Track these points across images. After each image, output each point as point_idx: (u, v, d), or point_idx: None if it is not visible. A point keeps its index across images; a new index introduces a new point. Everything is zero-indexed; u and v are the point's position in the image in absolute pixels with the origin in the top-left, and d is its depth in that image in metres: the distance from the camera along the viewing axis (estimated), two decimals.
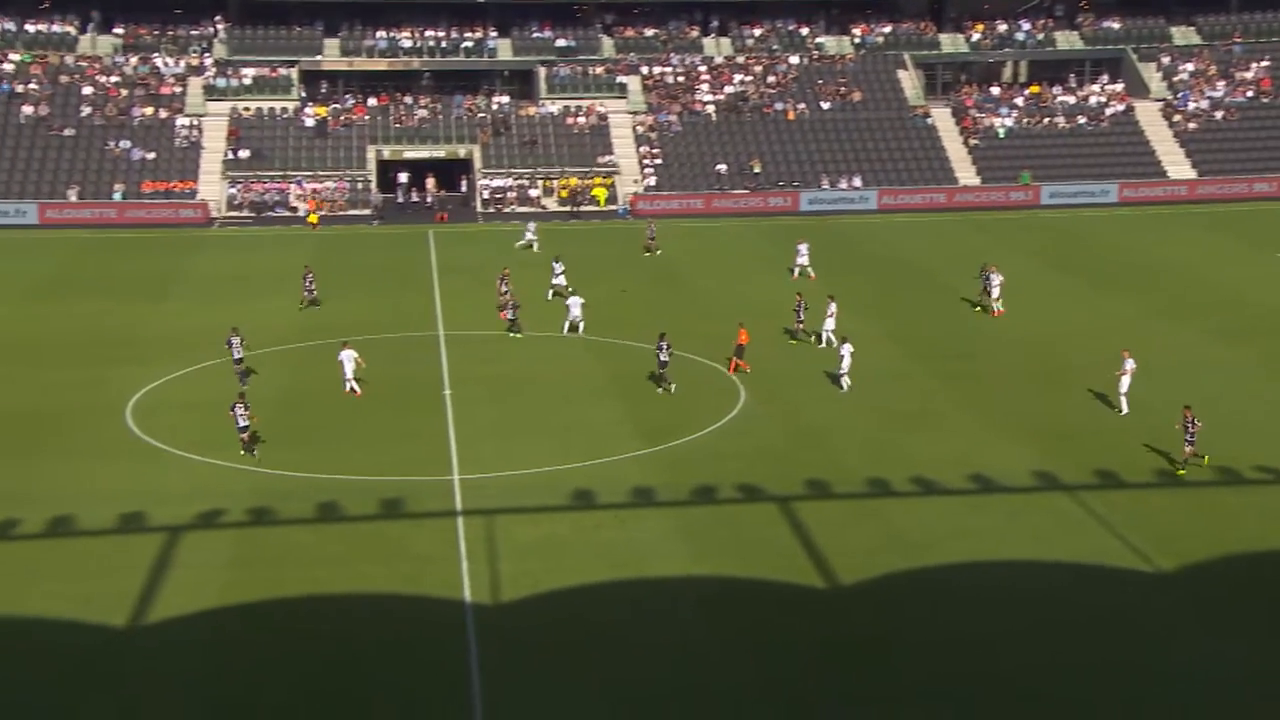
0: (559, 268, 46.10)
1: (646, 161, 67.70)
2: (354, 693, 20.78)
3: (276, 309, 44.28)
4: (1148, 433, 32.05)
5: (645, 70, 72.69)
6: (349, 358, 35.32)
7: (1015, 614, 23.34)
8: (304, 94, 70.45)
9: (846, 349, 35.82)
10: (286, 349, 39.22)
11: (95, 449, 30.96)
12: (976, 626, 22.95)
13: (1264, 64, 73.74)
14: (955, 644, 22.28)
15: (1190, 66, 73.69)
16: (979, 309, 43.46)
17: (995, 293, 43.13)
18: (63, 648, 21.95)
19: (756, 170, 67.32)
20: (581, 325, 40.98)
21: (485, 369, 37.93)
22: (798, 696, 20.91)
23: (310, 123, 68.28)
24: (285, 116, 68.61)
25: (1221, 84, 72.58)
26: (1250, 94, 71.98)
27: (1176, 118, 70.93)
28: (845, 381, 35.65)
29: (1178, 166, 68.59)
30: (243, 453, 30.37)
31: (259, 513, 27.39)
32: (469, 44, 72.66)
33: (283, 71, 70.30)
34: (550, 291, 45.13)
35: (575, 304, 41.34)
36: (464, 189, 68.32)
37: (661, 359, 35.57)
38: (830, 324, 39.89)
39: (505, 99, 71.30)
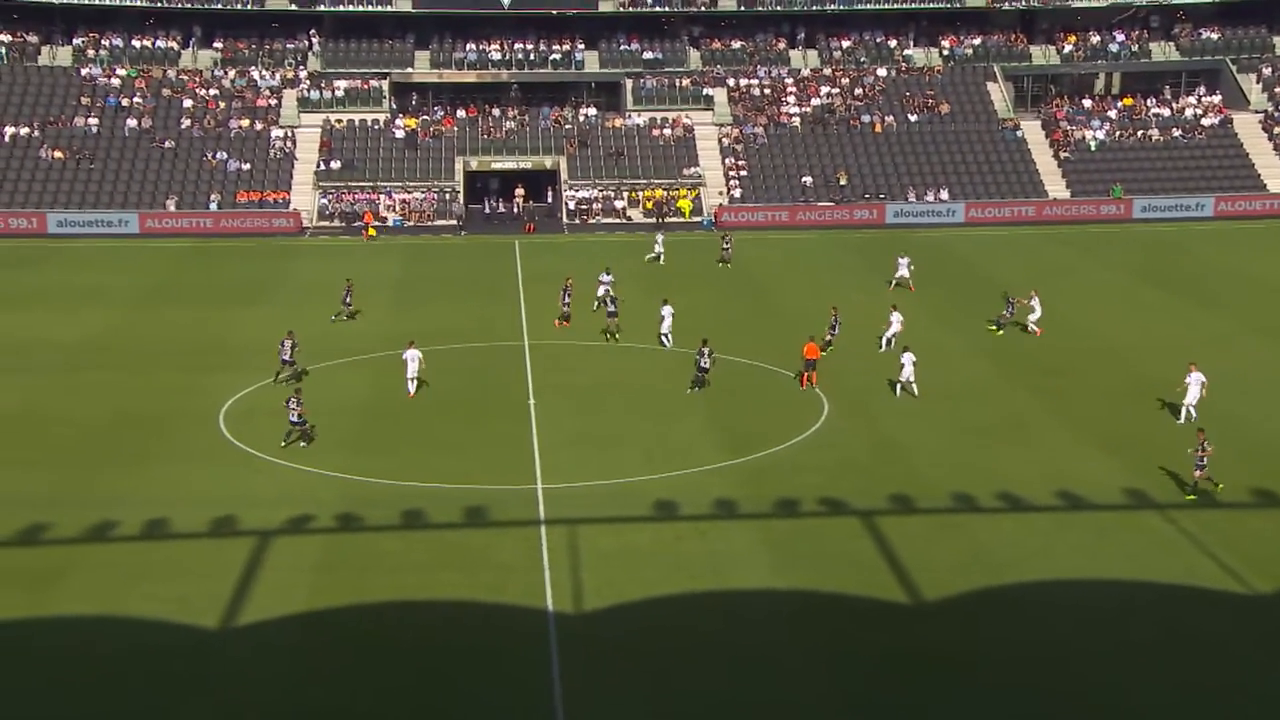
0: (607, 278, 45.91)
1: (731, 173, 67.71)
2: (437, 702, 21.03)
3: (363, 317, 45.04)
4: (1239, 452, 31.24)
5: (731, 82, 72.73)
6: (413, 357, 35.92)
7: (1101, 633, 22.92)
8: (395, 106, 71.66)
9: (908, 358, 35.85)
10: (368, 357, 39.84)
11: (191, 454, 31.76)
12: (1060, 644, 22.58)
13: None
14: (1036, 662, 21.96)
15: None
16: (995, 328, 42.67)
17: (1036, 314, 41.93)
18: (160, 649, 22.54)
19: (842, 183, 66.95)
20: (668, 338, 40.98)
21: (569, 378, 38.16)
22: (877, 711, 20.74)
23: (400, 134, 69.44)
24: (376, 128, 69.84)
25: None
26: None
27: (1277, 130, 69.07)
28: (913, 388, 35.55)
29: (1278, 180, 66.76)
30: (283, 444, 31.35)
31: (346, 519, 27.86)
32: (556, 56, 73.36)
33: (374, 84, 71.60)
34: (595, 302, 45.20)
35: (667, 313, 41.40)
36: (550, 200, 68.91)
37: (702, 364, 35.90)
38: (889, 331, 40.08)
39: (592, 110, 71.81)
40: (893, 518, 27.89)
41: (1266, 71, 72.51)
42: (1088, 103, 72.68)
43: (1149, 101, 72.00)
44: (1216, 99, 71.56)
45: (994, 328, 42.68)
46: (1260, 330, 42.34)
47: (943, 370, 38.78)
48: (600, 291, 45.45)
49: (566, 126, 70.23)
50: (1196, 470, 28.69)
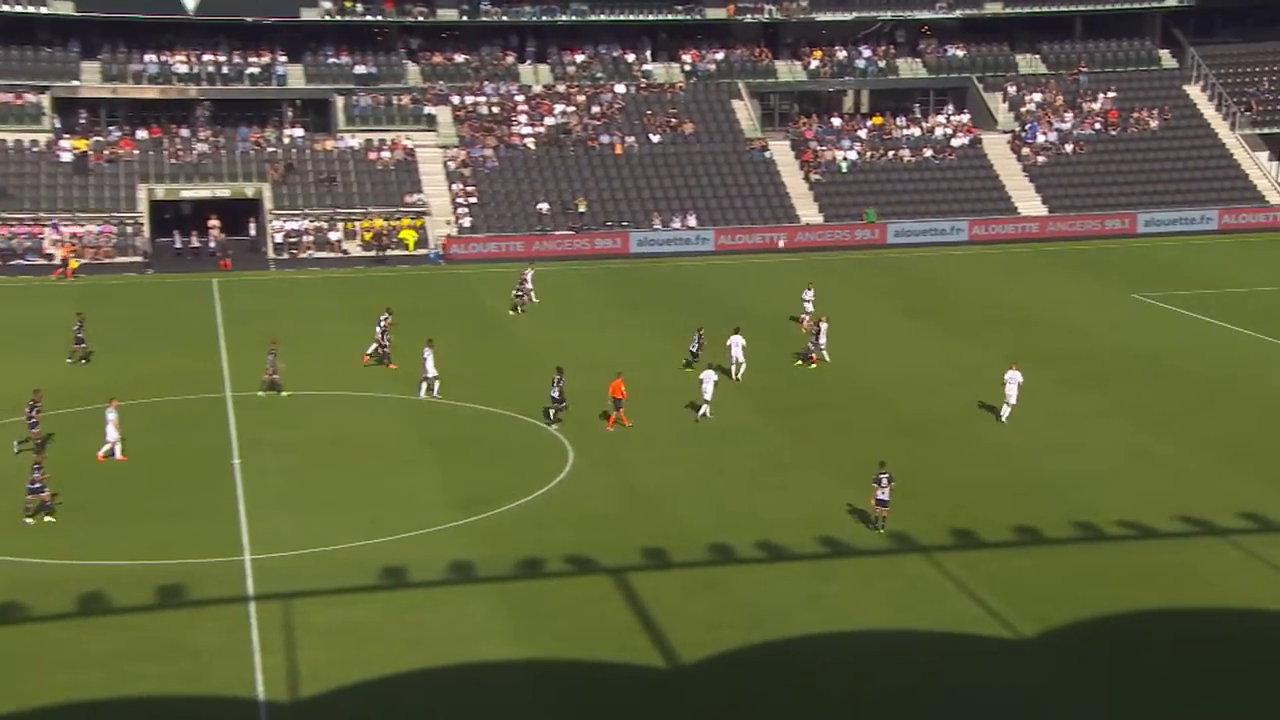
0: (384, 320, 45.17)
1: (460, 200, 67.77)
2: None
3: (33, 370, 42.58)
4: (1004, 486, 33.42)
5: (456, 100, 72.93)
6: (114, 419, 34.50)
7: (868, 688, 23.93)
8: (59, 124, 68.29)
9: (709, 376, 38.19)
10: (48, 415, 37.71)
11: None
12: (827, 701, 23.44)
13: (1110, 94, 78.34)
14: None
15: (1037, 97, 77.81)
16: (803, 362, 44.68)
17: (822, 340, 44.36)
18: None
19: (582, 209, 68.04)
20: (428, 387, 40.56)
21: (281, 434, 37.30)
22: None
23: (67, 157, 66.22)
24: (37, 150, 66.37)
25: (1069, 115, 76.83)
26: (1098, 126, 76.37)
27: (1025, 151, 74.71)
28: (706, 410, 37.69)
29: (1028, 202, 72.11)
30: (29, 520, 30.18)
31: (5, 610, 26.17)
32: (254, 70, 71.73)
33: (31, 98, 68.06)
34: (373, 344, 44.38)
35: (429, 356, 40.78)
36: (253, 232, 67.14)
37: (554, 394, 37.62)
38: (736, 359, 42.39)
39: (299, 131, 70.51)
40: (646, 573, 28.35)
41: (1011, 90, 78.38)
42: (837, 121, 76.66)
43: (899, 120, 76.58)
44: (965, 118, 76.79)
45: (800, 362, 43.96)
46: (1014, 359, 45.46)
47: (693, 410, 39.87)
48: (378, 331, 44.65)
49: (269, 149, 68.68)
50: (880, 507, 30.34)
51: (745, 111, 75.50)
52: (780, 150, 73.84)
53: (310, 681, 23.77)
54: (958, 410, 39.63)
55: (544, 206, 68.03)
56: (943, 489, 33.29)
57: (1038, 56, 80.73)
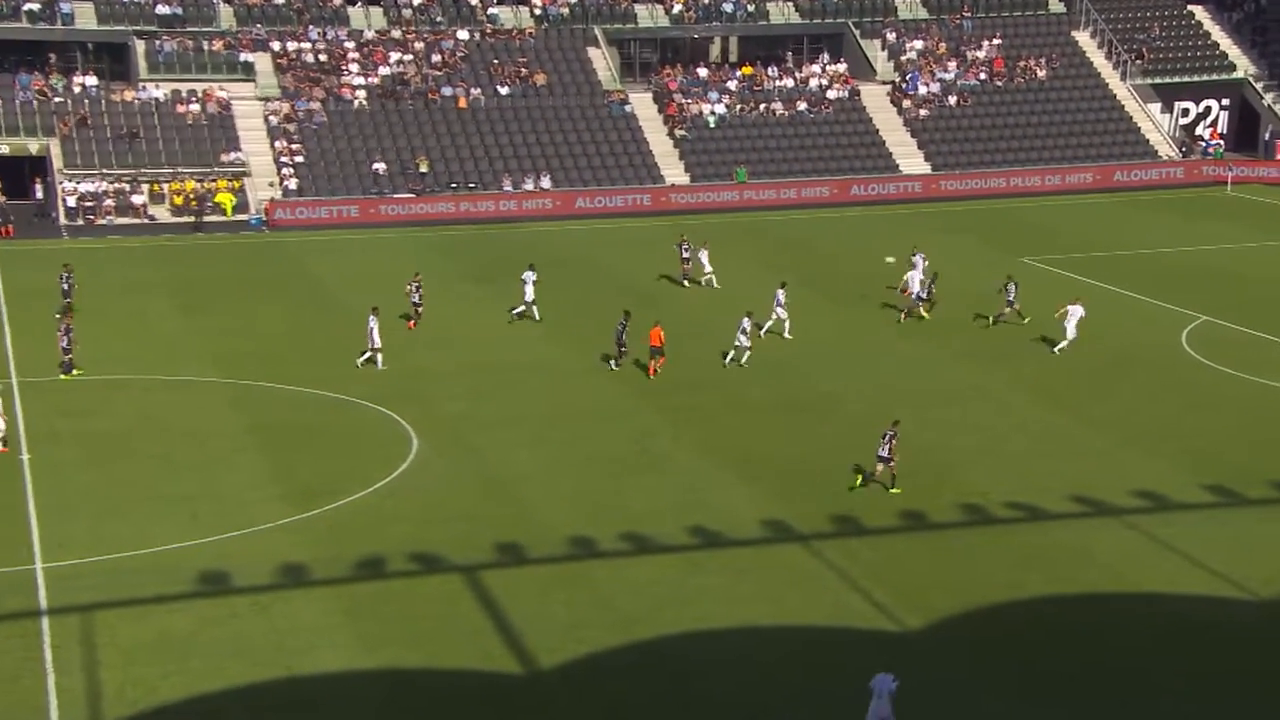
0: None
1: (285, 160, 66.53)
2: None
3: None
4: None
5: (276, 46, 71.50)
6: None
7: (745, 689, 24.23)
8: None
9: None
10: None
11: None
12: (701, 704, 23.67)
13: (996, 41, 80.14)
14: None
15: (918, 44, 79.21)
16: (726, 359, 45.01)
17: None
18: None
19: (423, 170, 67.36)
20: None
21: (79, 424, 36.38)
22: None
23: None
24: None
25: (953, 64, 78.38)
26: (983, 76, 78.06)
27: (906, 103, 76.03)
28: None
29: (910, 159, 73.45)
30: None
31: None
32: (34, 6, 69.18)
33: None
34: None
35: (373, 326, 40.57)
36: (40, 195, 64.98)
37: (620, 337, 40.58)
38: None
39: (92, 80, 68.38)
40: (500, 571, 28.31)
41: (891, 37, 79.65)
42: (703, 71, 77.06)
43: (770, 70, 77.28)
44: (842, 68, 77.80)
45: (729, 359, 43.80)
46: (905, 333, 46.34)
47: (558, 390, 39.83)
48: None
49: (57, 99, 66.50)
50: (880, 463, 32.04)
51: (602, 61, 75.46)
52: (642, 104, 73.99)
53: (114, 704, 23.30)
54: (843, 388, 40.22)
55: (380, 167, 67.17)
56: (824, 472, 33.77)
57: (920, 1, 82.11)
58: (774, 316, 44.94)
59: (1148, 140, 76.27)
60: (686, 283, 52.14)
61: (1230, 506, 31.66)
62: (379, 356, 41.50)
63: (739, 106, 74.41)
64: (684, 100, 74.12)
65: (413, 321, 46.18)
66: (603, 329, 46.07)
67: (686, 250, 52.50)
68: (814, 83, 76.48)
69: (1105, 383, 40.67)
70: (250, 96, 69.20)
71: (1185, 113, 79.93)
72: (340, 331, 45.55)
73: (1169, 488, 32.58)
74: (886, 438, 32.27)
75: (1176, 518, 31.12)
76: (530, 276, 47.51)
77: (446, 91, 71.61)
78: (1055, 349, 43.08)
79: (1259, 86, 79.51)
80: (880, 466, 32.41)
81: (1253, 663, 24.89)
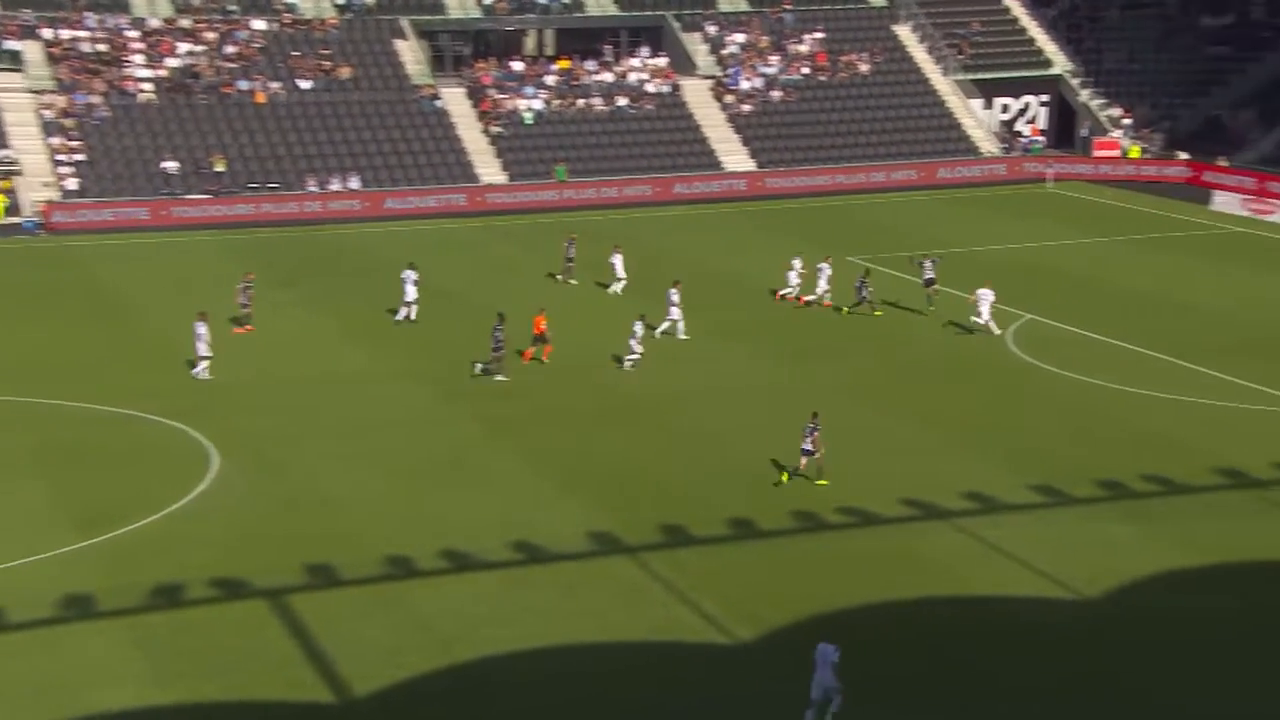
0: None
1: (63, 158, 64.38)
2: None
3: None
4: (718, 474, 34.26)
5: (48, 34, 69.20)
6: None
7: (568, 708, 24.11)
8: None
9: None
10: None
11: None
12: None
13: (818, 35, 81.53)
14: None
15: (740, 38, 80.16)
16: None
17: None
18: None
19: (219, 169, 65.87)
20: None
21: None
22: None
23: None
24: None
25: (775, 59, 79.50)
26: (806, 70, 79.33)
27: (729, 98, 76.85)
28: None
29: (734, 156, 74.26)
30: None
31: None
32: None
33: None
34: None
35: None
36: None
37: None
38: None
39: None
40: (310, 594, 27.77)
41: (712, 30, 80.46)
42: (518, 66, 76.82)
43: (588, 64, 77.38)
44: (662, 61, 78.32)
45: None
46: (720, 332, 46.68)
47: (369, 400, 39.23)
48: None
49: None
50: (804, 456, 33.01)
51: (411, 54, 74.76)
52: (454, 99, 73.49)
53: None
54: (668, 393, 40.35)
55: (171, 166, 65.52)
56: (652, 480, 33.86)
57: None
58: (668, 319, 45.12)
59: (970, 137, 78.35)
60: (567, 280, 52.56)
61: (1056, 506, 32.54)
62: (205, 365, 40.54)
63: (556, 102, 74.37)
64: (499, 96, 73.81)
65: (244, 327, 45.39)
66: (414, 336, 45.61)
67: (573, 249, 52.81)
68: (634, 77, 76.83)
69: (932, 383, 41.52)
70: (19, 88, 66.84)
71: (1005, 109, 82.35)
72: (131, 342, 44.34)
73: (997, 488, 33.37)
74: (808, 431, 33.12)
75: (1004, 519, 31.88)
76: (411, 276, 47.04)
77: (243, 85, 70.12)
78: (971, 333, 45.60)
79: (1075, 83, 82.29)
80: (804, 460, 33.17)
81: (1081, 664, 25.56)
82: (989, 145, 78.32)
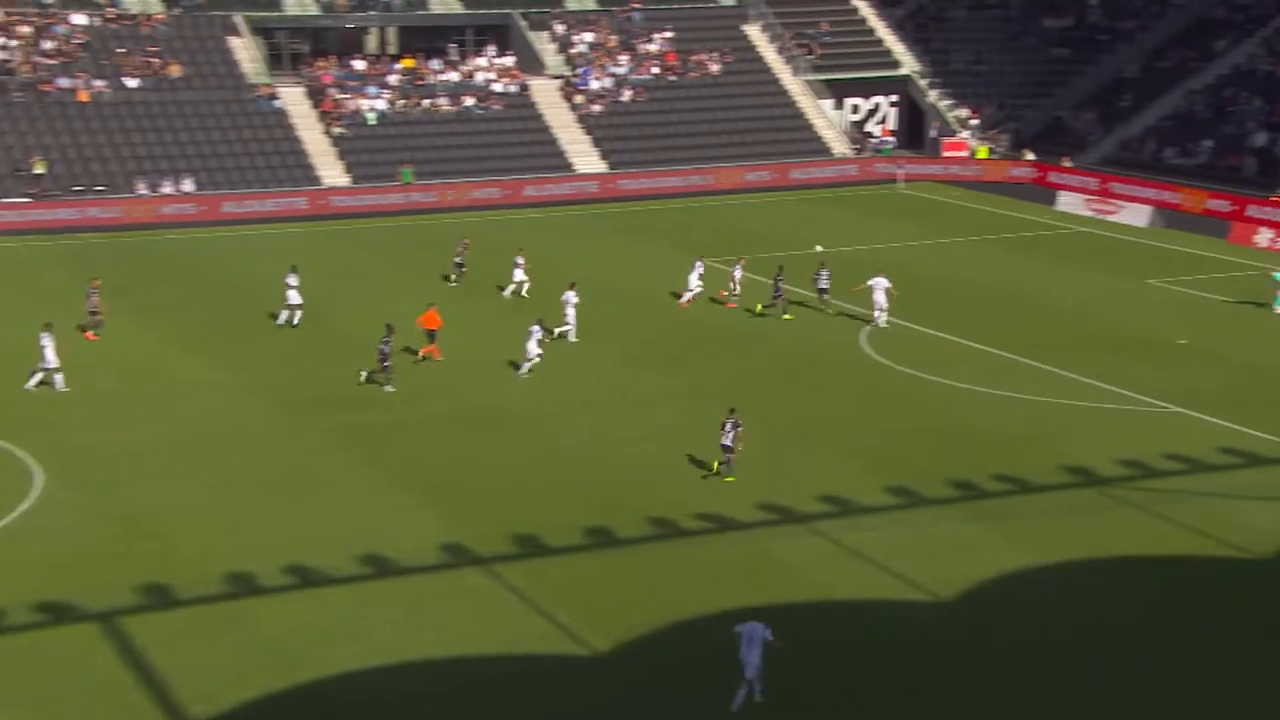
0: None
1: None
2: None
3: None
4: (573, 482, 34.22)
5: None
6: None
7: None
8: None
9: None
10: None
11: None
12: None
13: (667, 34, 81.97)
14: None
15: (589, 37, 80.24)
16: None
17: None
18: None
19: (39, 171, 64.17)
20: None
21: None
22: None
23: None
24: None
25: (625, 58, 79.72)
26: (656, 70, 79.67)
27: (578, 99, 76.85)
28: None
29: (585, 158, 74.31)
30: None
31: None
32: None
33: None
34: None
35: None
36: None
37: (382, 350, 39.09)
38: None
39: None
40: (144, 616, 27.13)
41: (560, 29, 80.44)
42: (360, 64, 75.97)
43: (433, 63, 76.84)
44: (510, 61, 78.07)
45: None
46: (584, 338, 46.58)
47: (207, 412, 38.47)
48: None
49: None
50: (725, 452, 33.89)
51: (247, 51, 73.59)
52: (293, 99, 72.50)
53: None
54: (515, 399, 40.19)
55: None
56: (508, 491, 33.65)
57: None
58: (566, 322, 45.29)
59: (822, 138, 79.39)
60: (456, 282, 52.99)
61: (911, 507, 33.00)
62: (58, 377, 39.52)
63: (401, 102, 73.75)
64: (340, 96, 72.94)
65: (89, 332, 44.82)
66: (260, 345, 44.80)
67: (463, 254, 53.19)
68: (480, 77, 76.49)
69: (786, 385, 41.91)
70: None
71: (856, 109, 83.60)
72: None
73: (853, 491, 33.76)
74: (727, 427, 33.80)
75: (861, 521, 32.26)
76: (293, 280, 47.01)
77: (63, 83, 68.39)
78: (875, 325, 47.01)
79: (923, 84, 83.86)
80: (727, 456, 34.02)
81: (937, 667, 25.95)
82: (840, 146, 79.44)
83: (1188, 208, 66.91)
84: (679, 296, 50.32)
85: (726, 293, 50.51)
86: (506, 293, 51.27)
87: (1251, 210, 64.32)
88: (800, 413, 39.50)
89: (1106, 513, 32.78)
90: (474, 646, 26.45)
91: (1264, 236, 60.81)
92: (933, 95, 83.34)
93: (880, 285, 47.10)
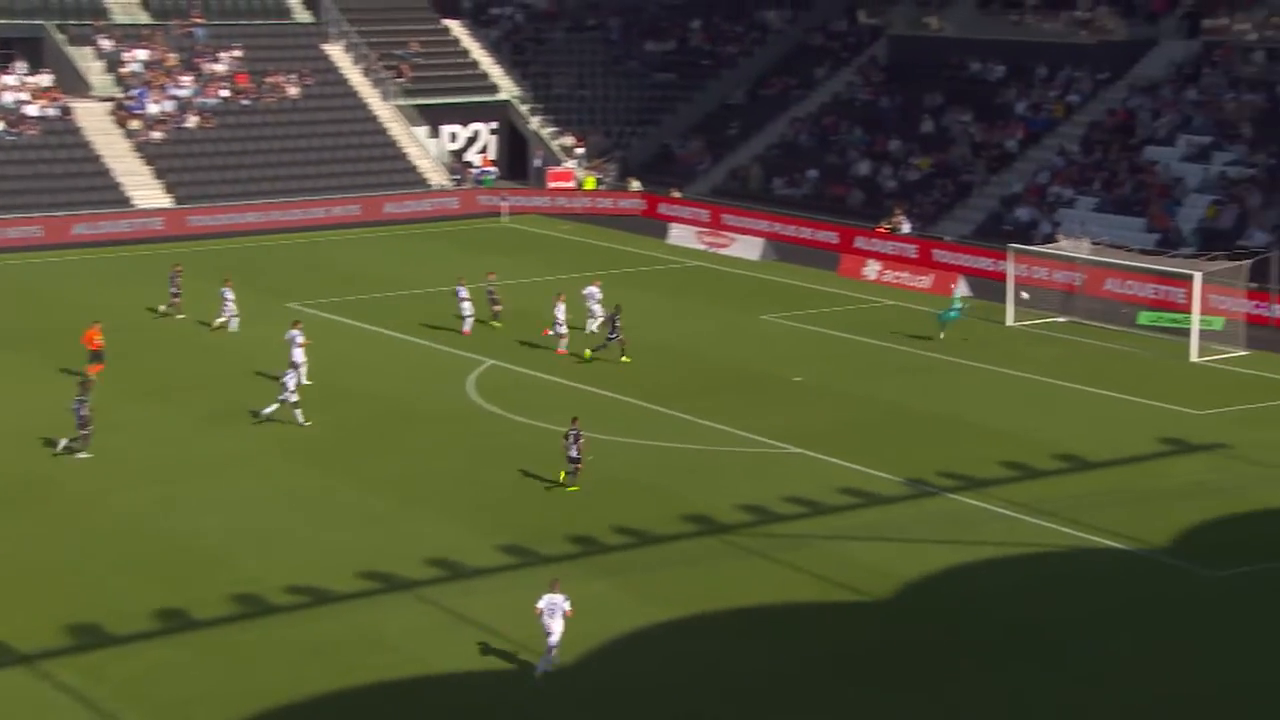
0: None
1: None
2: None
3: None
4: (141, 561, 32.76)
5: None
6: None
7: None
8: None
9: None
10: None
11: None
12: None
13: (236, 54, 79.95)
14: None
15: (143, 54, 77.45)
16: None
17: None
18: None
19: None
20: None
21: None
22: None
23: None
24: None
25: (188, 79, 77.30)
26: (226, 93, 77.58)
27: (134, 124, 73.99)
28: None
29: (145, 190, 71.56)
30: None
31: None
32: None
33: None
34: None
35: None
36: None
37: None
38: None
39: None
40: None
41: (107, 45, 77.24)
42: None
43: None
44: (46, 80, 74.49)
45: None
46: (145, 398, 44.68)
47: None
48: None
49: None
50: (571, 464, 36.51)
51: None
52: None
53: None
54: (55, 470, 38.21)
55: None
56: (53, 575, 31.98)
57: (140, 4, 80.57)
58: (299, 361, 44.24)
59: (417, 168, 78.95)
60: (174, 314, 53.66)
61: (525, 566, 32.81)
62: None
63: None
64: None
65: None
66: None
67: (178, 283, 53.59)
68: (9, 97, 72.76)
69: (383, 439, 41.22)
70: None
71: (454, 138, 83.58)
72: None
73: (463, 552, 33.37)
74: (571, 438, 36.32)
75: (473, 585, 31.88)
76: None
77: None
78: (586, 330, 50.10)
79: (524, 110, 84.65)
80: (574, 468, 36.58)
81: None
82: (438, 177, 79.20)
83: (799, 240, 69.37)
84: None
85: (551, 331, 49.90)
86: (234, 325, 51.61)
87: (859, 242, 67.10)
88: (400, 468, 38.95)
89: (728, 561, 33.47)
90: None
91: (872, 269, 63.49)
92: (535, 122, 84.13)
93: (593, 295, 51.27)
